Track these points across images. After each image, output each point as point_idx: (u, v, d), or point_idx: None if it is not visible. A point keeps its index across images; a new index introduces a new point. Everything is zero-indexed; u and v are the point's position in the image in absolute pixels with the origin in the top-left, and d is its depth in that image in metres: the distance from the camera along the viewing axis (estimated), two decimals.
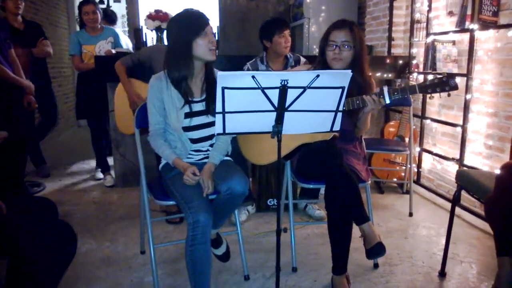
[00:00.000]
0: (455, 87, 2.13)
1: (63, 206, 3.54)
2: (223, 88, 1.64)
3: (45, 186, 4.09)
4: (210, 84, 2.18)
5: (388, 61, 4.13)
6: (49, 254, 1.63)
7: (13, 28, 3.80)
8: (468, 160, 3.37)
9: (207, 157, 2.24)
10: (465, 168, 3.27)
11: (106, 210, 3.51)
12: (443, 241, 2.56)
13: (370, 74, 2.53)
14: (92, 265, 2.60)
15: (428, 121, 3.89)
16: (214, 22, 6.10)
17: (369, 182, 2.50)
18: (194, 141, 2.22)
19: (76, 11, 4.31)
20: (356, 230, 2.20)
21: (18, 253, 1.60)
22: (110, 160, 4.24)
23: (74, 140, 6.53)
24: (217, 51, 5.37)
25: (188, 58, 2.10)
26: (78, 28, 4.30)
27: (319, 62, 2.45)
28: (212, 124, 2.17)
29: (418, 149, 3.99)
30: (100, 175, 4.35)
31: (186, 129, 2.18)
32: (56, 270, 1.70)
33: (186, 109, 2.16)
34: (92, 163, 4.72)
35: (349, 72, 1.71)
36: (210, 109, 2.17)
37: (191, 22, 2.08)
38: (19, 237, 1.63)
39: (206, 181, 2.06)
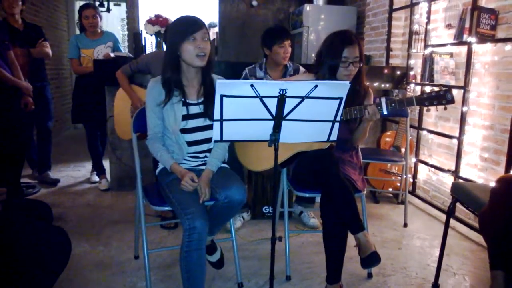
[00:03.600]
0: (452, 101, 2.15)
1: (57, 209, 3.52)
2: (222, 96, 1.65)
3: (39, 188, 4.07)
4: (207, 88, 2.19)
5: (386, 71, 4.16)
6: (43, 260, 1.62)
7: (13, 28, 3.80)
8: (463, 172, 3.38)
9: (204, 164, 2.24)
10: (460, 181, 3.29)
11: (100, 213, 3.50)
12: (437, 252, 2.56)
13: (368, 83, 2.54)
14: (85, 269, 2.59)
15: (424, 132, 3.91)
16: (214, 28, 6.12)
17: (365, 192, 2.51)
18: (190, 144, 2.22)
19: (76, 14, 4.31)
20: (351, 240, 2.20)
21: (11, 257, 1.59)
22: (106, 163, 4.23)
23: (70, 142, 6.52)
24: (216, 56, 5.40)
25: (174, 61, 2.12)
26: (78, 32, 4.30)
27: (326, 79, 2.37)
28: (208, 127, 2.18)
29: (414, 159, 4.01)
30: (95, 178, 4.34)
31: (182, 131, 2.19)
32: (49, 276, 1.69)
33: (183, 111, 2.17)
34: (88, 165, 4.70)
35: (347, 83, 1.72)
36: (207, 112, 2.18)
37: (181, 26, 2.09)
38: (13, 241, 1.62)
39: (204, 188, 2.06)
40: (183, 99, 2.16)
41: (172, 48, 2.10)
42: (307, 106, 1.74)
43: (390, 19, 4.38)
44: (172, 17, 4.25)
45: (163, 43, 2.24)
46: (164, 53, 2.20)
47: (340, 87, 1.73)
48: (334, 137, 1.89)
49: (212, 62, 2.19)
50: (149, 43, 4.92)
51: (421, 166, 4.03)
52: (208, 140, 2.24)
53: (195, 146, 2.23)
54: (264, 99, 1.69)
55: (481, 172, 3.24)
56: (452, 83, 3.47)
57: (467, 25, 3.21)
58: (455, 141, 3.43)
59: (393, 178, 3.92)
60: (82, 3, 4.08)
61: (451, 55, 3.54)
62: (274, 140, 1.81)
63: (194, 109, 2.19)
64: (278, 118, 1.76)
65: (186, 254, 1.95)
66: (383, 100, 2.23)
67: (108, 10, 6.90)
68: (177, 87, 2.15)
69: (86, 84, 4.04)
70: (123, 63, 3.30)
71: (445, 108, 2.21)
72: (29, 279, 1.61)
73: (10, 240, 1.63)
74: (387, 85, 4.15)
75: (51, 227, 1.84)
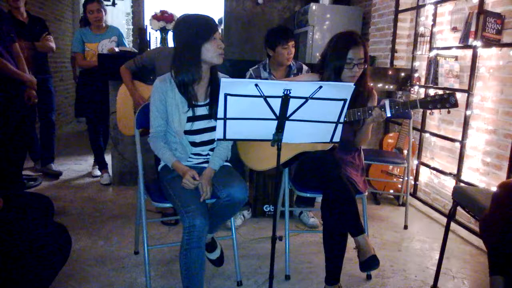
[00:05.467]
0: (456, 105, 2.14)
1: (58, 202, 3.53)
2: (226, 95, 1.65)
3: (41, 181, 4.08)
4: (214, 88, 2.19)
5: (390, 72, 4.15)
6: (43, 256, 1.63)
7: (17, 21, 3.81)
8: (465, 176, 3.38)
9: (206, 161, 2.25)
10: (462, 184, 3.28)
11: (101, 208, 3.50)
12: (437, 255, 2.56)
13: (372, 85, 2.54)
14: (85, 263, 2.59)
15: (427, 135, 3.90)
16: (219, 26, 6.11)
17: (366, 193, 2.51)
18: (195, 144, 2.22)
19: (81, 7, 4.31)
20: (350, 241, 2.20)
21: (11, 252, 1.59)
22: (108, 158, 4.24)
23: (73, 135, 6.53)
24: None
25: (197, 62, 2.11)
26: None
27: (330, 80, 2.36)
28: (214, 129, 2.17)
29: (416, 162, 4.00)
30: (97, 172, 4.35)
31: (188, 132, 2.19)
32: (48, 271, 1.70)
33: (190, 113, 2.16)
34: (90, 159, 4.71)
35: (351, 85, 1.72)
36: (213, 114, 2.17)
37: (201, 27, 2.08)
38: (13, 236, 1.63)
39: (205, 186, 2.06)
40: (190, 101, 2.16)
41: (193, 48, 2.07)
42: (311, 106, 1.74)
43: (395, 20, 4.37)
44: (178, 12, 4.24)
45: (174, 40, 2.17)
46: (180, 54, 2.11)
47: (345, 89, 1.73)
48: (337, 138, 1.89)
49: None
50: (154, 38, 4.91)
51: (422, 169, 4.03)
52: (212, 141, 2.24)
53: (200, 147, 2.24)
54: (268, 98, 1.69)
55: (483, 177, 3.24)
56: (456, 86, 3.47)
57: (472, 28, 3.20)
58: (457, 145, 3.43)
59: (395, 180, 3.91)
60: None
61: (456, 58, 3.53)
62: (277, 140, 1.81)
63: (201, 111, 2.19)
64: (282, 118, 1.76)
65: (185, 251, 1.95)
66: (386, 102, 2.23)
67: (113, 4, 6.90)
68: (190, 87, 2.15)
69: (90, 78, 4.05)
70: (128, 58, 3.30)
71: (449, 112, 2.21)
72: (28, 275, 1.62)
73: (10, 235, 1.63)
74: (391, 87, 4.14)
75: (51, 223, 1.84)
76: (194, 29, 2.08)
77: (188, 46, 2.08)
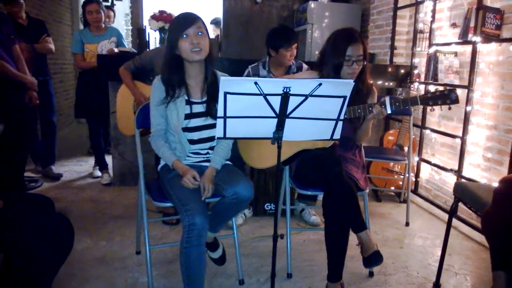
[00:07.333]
0: (456, 101, 2.14)
1: (59, 203, 3.53)
2: (225, 93, 1.65)
3: (42, 182, 4.09)
4: (210, 86, 2.19)
5: (390, 69, 4.15)
6: (46, 247, 1.63)
7: (17, 23, 3.81)
8: (466, 172, 3.38)
9: (206, 160, 2.25)
10: (463, 180, 3.28)
11: (102, 208, 3.51)
12: (439, 252, 2.56)
13: (371, 82, 2.54)
14: (87, 264, 2.59)
15: (427, 131, 3.90)
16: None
17: (367, 190, 2.50)
18: (193, 142, 2.22)
19: (80, 9, 4.32)
20: (352, 238, 2.20)
21: (14, 247, 1.59)
22: (109, 158, 4.24)
23: (73, 136, 6.53)
24: (219, 53, 5.35)
25: (173, 60, 2.13)
26: (81, 26, 4.31)
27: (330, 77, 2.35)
28: (211, 126, 2.18)
29: (416, 158, 4.00)
30: (98, 173, 4.35)
31: (185, 130, 2.19)
32: (52, 263, 1.70)
33: (187, 110, 2.16)
34: (91, 160, 4.71)
35: (351, 82, 1.71)
36: (210, 111, 2.17)
37: (175, 24, 2.13)
38: (16, 231, 1.63)
39: (207, 185, 2.06)
40: (186, 98, 2.16)
41: (171, 47, 2.11)
42: (310, 104, 1.74)
43: (394, 17, 4.36)
44: (176, 12, 4.24)
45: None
46: (164, 53, 2.20)
47: (344, 86, 1.73)
48: (337, 135, 1.89)
49: (212, 56, 2.18)
50: (153, 38, 4.91)
51: (423, 165, 4.02)
52: (211, 138, 2.24)
53: (198, 144, 2.24)
54: (267, 96, 1.69)
55: (484, 172, 3.24)
56: (456, 82, 3.46)
57: (472, 24, 3.20)
58: (458, 141, 3.42)
59: (396, 176, 3.91)
60: None
61: (456, 54, 3.52)
62: (277, 138, 1.81)
63: (198, 108, 2.19)
64: (282, 116, 1.75)
65: (185, 250, 1.95)
66: (387, 99, 2.23)
67: (112, 5, 6.89)
68: (181, 86, 2.15)
69: (89, 79, 4.05)
70: (127, 59, 3.30)
71: (450, 108, 2.21)
72: (29, 275, 1.62)
73: (11, 236, 1.63)
74: (391, 84, 4.14)
75: (53, 215, 1.84)
76: (171, 27, 2.16)
77: (168, 44, 2.16)
